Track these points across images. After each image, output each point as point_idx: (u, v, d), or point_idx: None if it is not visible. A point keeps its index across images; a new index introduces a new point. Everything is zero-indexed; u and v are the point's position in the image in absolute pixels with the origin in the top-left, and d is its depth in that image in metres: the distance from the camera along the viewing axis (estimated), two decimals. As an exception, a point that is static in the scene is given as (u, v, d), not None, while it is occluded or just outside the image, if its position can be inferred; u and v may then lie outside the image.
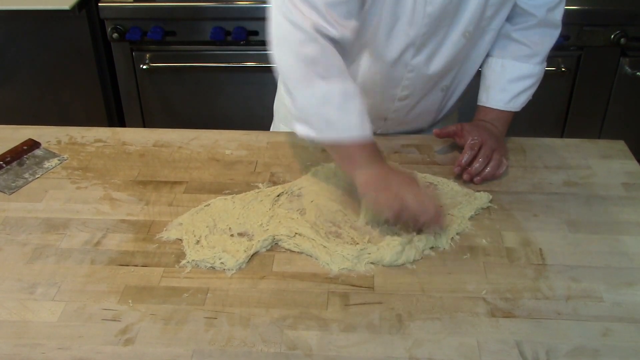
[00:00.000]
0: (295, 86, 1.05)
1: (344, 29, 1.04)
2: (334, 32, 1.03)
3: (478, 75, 1.31)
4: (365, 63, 1.21)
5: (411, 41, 1.15)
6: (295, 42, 1.02)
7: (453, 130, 1.24)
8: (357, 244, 1.01)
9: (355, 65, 1.21)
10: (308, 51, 1.02)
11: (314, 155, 1.25)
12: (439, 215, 1.01)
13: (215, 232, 1.04)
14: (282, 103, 1.43)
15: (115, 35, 2.00)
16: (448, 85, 1.28)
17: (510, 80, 1.25)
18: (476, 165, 1.17)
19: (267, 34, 1.06)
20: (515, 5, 1.20)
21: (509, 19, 1.23)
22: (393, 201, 1.00)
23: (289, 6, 1.02)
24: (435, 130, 1.25)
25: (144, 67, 2.07)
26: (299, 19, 1.02)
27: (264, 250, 1.01)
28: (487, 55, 1.27)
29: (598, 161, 1.25)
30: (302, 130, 1.06)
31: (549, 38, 1.25)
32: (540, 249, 1.02)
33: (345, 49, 1.07)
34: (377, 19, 1.12)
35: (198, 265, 0.98)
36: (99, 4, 1.97)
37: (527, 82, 1.26)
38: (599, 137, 2.09)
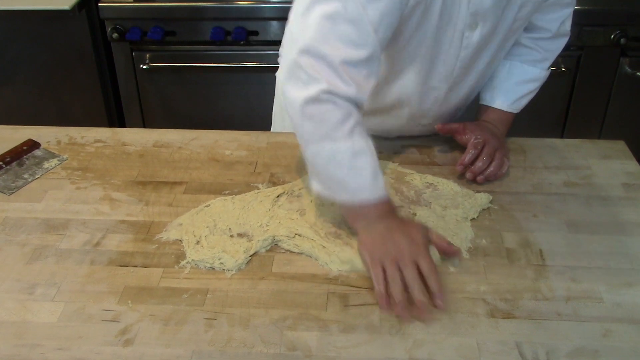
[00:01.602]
0: (304, 145, 1.00)
1: (360, 88, 0.99)
2: (350, 91, 0.97)
3: None
4: (395, 96, 1.20)
5: (443, 80, 1.16)
6: (305, 102, 0.96)
7: (455, 127, 1.24)
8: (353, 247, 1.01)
9: (387, 96, 1.20)
10: (317, 111, 0.97)
11: (313, 155, 1.25)
12: (425, 305, 0.90)
13: (215, 233, 1.04)
14: (280, 108, 1.43)
15: (115, 35, 2.00)
16: (464, 108, 1.31)
17: (517, 82, 1.25)
18: (479, 164, 1.17)
19: (280, 77, 1.01)
20: (529, 21, 1.20)
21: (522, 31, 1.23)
22: (388, 273, 0.92)
23: (300, 64, 0.96)
24: (437, 125, 1.25)
25: (144, 67, 2.06)
26: (312, 77, 0.96)
27: (263, 250, 1.01)
28: None
29: (598, 161, 1.25)
30: (316, 187, 1.02)
31: (558, 45, 1.26)
32: (540, 250, 1.02)
33: (363, 104, 1.02)
34: (416, 54, 1.10)
35: (198, 266, 0.98)
36: (99, 4, 1.96)
37: (532, 86, 1.26)
38: (599, 137, 2.09)
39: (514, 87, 1.25)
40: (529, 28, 1.22)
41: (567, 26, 1.23)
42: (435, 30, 1.06)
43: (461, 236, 1.03)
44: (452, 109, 1.27)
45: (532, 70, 1.25)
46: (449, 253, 0.98)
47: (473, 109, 1.32)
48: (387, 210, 1.00)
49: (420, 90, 1.18)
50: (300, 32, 0.98)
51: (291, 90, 0.98)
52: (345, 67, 0.96)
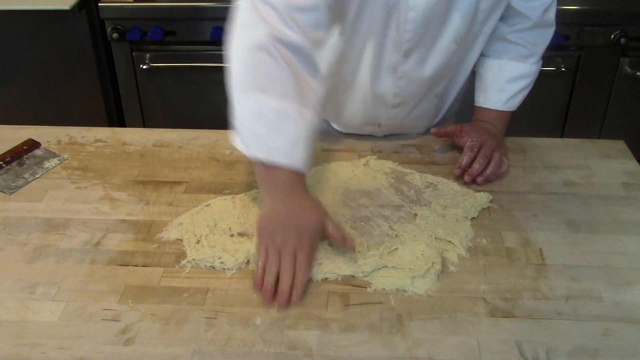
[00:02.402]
0: (235, 93, 0.98)
1: (306, 37, 0.98)
2: (294, 38, 0.97)
3: (473, 76, 1.31)
4: (352, 69, 1.20)
5: (397, 47, 1.14)
6: (244, 46, 0.96)
7: (452, 130, 1.24)
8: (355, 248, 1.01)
9: (345, 70, 1.21)
10: (254, 58, 0.96)
11: (314, 155, 1.25)
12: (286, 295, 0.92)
13: (215, 232, 1.04)
14: None
15: (115, 35, 2.00)
16: (442, 91, 1.28)
17: (508, 80, 1.25)
18: (476, 166, 1.17)
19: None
20: (509, 7, 1.20)
21: (504, 20, 1.22)
22: (268, 260, 0.94)
23: (248, 6, 0.98)
24: (433, 129, 1.25)
25: (144, 67, 2.07)
26: (255, 21, 0.96)
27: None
28: (483, 56, 1.27)
29: (598, 161, 1.25)
30: (236, 142, 1.00)
31: (544, 37, 1.25)
32: (540, 249, 1.02)
33: (311, 60, 1.00)
34: (366, 22, 1.11)
35: (198, 265, 0.98)
36: (99, 4, 1.96)
37: (524, 82, 1.26)
38: (599, 137, 2.09)
39: (506, 85, 1.25)
40: (510, 17, 1.22)
41: (551, 15, 1.22)
42: None
43: (461, 235, 1.03)
44: (424, 89, 1.24)
45: (522, 66, 1.25)
46: (341, 245, 0.96)
47: (469, 114, 1.32)
48: (296, 184, 0.98)
49: (376, 62, 1.17)
50: None
51: (235, 36, 0.98)
52: (290, 12, 0.97)
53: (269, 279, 0.92)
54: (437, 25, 1.12)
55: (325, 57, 1.19)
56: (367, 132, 1.31)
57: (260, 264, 0.94)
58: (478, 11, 1.14)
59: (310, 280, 0.95)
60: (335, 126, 1.36)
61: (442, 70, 1.21)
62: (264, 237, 0.96)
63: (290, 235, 0.95)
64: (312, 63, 1.01)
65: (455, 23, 1.13)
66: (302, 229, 0.95)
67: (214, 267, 0.97)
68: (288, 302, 0.91)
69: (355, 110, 1.27)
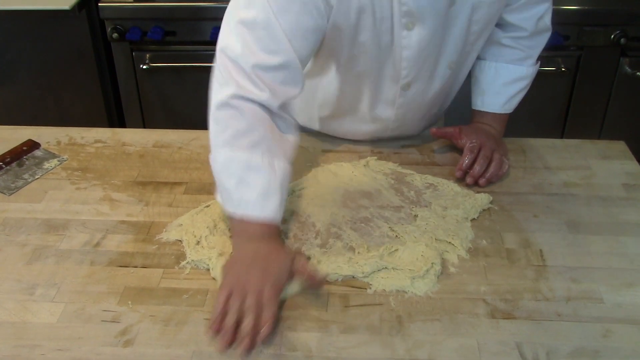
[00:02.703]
0: (211, 148, 1.02)
1: (275, 94, 1.01)
2: (261, 96, 1.00)
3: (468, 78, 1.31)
4: (352, 101, 1.21)
5: (394, 82, 1.15)
6: (215, 103, 1.01)
7: (450, 132, 1.24)
8: (355, 249, 1.01)
9: (345, 102, 1.22)
10: (222, 115, 1.00)
11: (314, 156, 1.25)
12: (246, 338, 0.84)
13: (215, 233, 1.04)
14: None
15: (115, 35, 2.00)
16: (437, 111, 1.30)
17: (505, 83, 1.25)
18: (477, 167, 1.16)
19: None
20: (502, 20, 1.20)
21: (500, 26, 1.22)
22: (230, 302, 0.87)
23: (218, 62, 1.01)
24: (432, 129, 1.25)
25: (144, 67, 2.06)
26: (225, 79, 1.01)
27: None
28: (479, 59, 1.27)
29: (598, 161, 1.25)
30: (216, 196, 1.02)
31: (540, 41, 1.25)
32: (541, 250, 1.02)
33: (280, 114, 1.04)
34: (360, 63, 1.12)
35: (198, 267, 0.98)
36: (99, 4, 1.96)
37: (521, 84, 1.26)
38: (599, 137, 2.09)
39: (503, 88, 1.25)
40: (505, 26, 1.22)
41: (547, 21, 1.22)
42: (373, 37, 1.07)
43: (461, 236, 1.03)
44: (422, 113, 1.26)
45: (518, 69, 1.25)
46: (313, 283, 0.92)
47: (458, 112, 1.32)
48: (267, 234, 0.97)
49: (374, 96, 1.19)
50: (221, 34, 1.02)
51: (211, 93, 1.03)
52: (258, 72, 0.99)
53: (230, 320, 0.85)
54: (433, 57, 1.13)
55: (324, 89, 1.22)
56: (360, 139, 1.32)
57: (220, 305, 0.86)
58: (469, 34, 1.14)
59: (278, 320, 0.88)
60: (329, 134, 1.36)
61: (439, 95, 1.23)
62: (228, 279, 0.91)
63: (254, 277, 0.90)
64: (281, 117, 1.04)
65: (449, 51, 1.14)
66: (268, 267, 0.92)
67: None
68: (251, 346, 0.83)
69: (354, 129, 1.28)
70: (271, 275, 0.91)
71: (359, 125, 1.27)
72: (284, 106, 1.05)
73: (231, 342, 0.84)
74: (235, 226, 0.99)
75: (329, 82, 1.20)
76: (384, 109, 1.21)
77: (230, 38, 1.00)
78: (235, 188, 0.97)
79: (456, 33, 1.11)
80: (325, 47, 1.10)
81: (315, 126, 1.31)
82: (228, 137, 0.99)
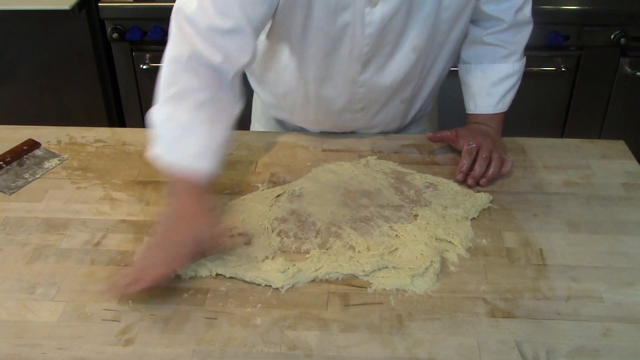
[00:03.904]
0: (154, 101, 1.02)
1: (229, 59, 1.03)
2: (215, 59, 1.01)
3: (451, 78, 1.31)
4: (312, 84, 1.21)
5: (354, 60, 1.15)
6: (168, 58, 1.02)
7: (447, 136, 1.24)
8: (355, 248, 1.01)
9: (304, 85, 1.22)
10: (174, 71, 1.01)
11: (314, 155, 1.25)
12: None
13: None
14: (258, 111, 1.46)
15: (115, 35, 2.00)
16: (408, 97, 1.27)
17: (493, 83, 1.25)
18: (477, 168, 1.16)
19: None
20: (480, 12, 1.19)
21: (477, 23, 1.23)
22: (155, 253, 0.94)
23: (174, 22, 1.03)
24: (428, 134, 1.25)
25: (144, 67, 2.06)
26: (179, 36, 1.02)
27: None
28: (464, 64, 1.28)
29: (598, 161, 1.25)
30: (150, 151, 1.01)
31: (522, 35, 1.24)
32: (541, 249, 1.02)
33: (230, 81, 1.05)
34: (315, 41, 1.12)
35: (197, 274, 0.97)
36: (99, 4, 1.96)
37: (510, 82, 1.26)
38: (599, 137, 2.09)
39: (493, 88, 1.25)
40: (483, 21, 1.22)
41: (527, 13, 1.22)
42: (329, 13, 1.07)
43: (461, 236, 1.03)
44: (386, 95, 1.24)
45: (504, 67, 1.25)
46: (243, 239, 1.00)
47: (449, 108, 1.31)
48: (194, 188, 0.98)
49: (333, 75, 1.18)
50: None
51: (166, 48, 1.03)
52: (212, 34, 1.01)
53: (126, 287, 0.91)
54: (395, 36, 1.13)
55: (280, 76, 1.24)
56: (338, 131, 1.33)
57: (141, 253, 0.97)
58: (439, 22, 1.13)
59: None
60: (309, 129, 1.36)
61: (404, 78, 1.21)
62: (148, 250, 0.96)
63: (164, 252, 0.93)
64: (230, 84, 1.06)
65: (413, 33, 1.13)
66: (180, 242, 0.93)
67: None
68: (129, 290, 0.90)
69: (321, 117, 1.29)
70: (180, 251, 0.93)
71: (323, 114, 1.27)
72: (236, 76, 1.06)
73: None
74: (169, 180, 1.00)
75: (284, 67, 1.21)
76: (345, 89, 1.21)
77: None
78: (175, 140, 0.99)
79: (423, 16, 1.11)
80: (277, 24, 1.11)
81: (302, 122, 1.33)
82: (177, 93, 1.00)
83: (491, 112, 1.26)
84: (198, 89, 1.01)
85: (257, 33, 1.07)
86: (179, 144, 0.99)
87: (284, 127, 1.40)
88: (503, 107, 1.27)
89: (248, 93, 1.45)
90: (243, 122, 1.90)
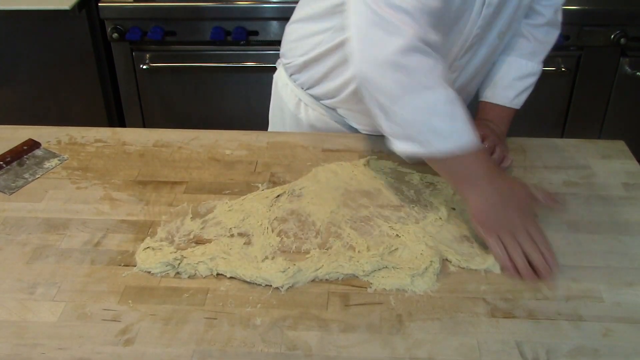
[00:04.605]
0: (395, 100, 0.97)
1: (439, 38, 1.00)
2: (435, 38, 0.98)
3: None
4: None
5: (464, 42, 1.15)
6: (394, 54, 0.95)
7: None
8: (355, 248, 1.01)
9: None
10: (410, 61, 0.95)
11: (314, 155, 1.25)
12: (548, 267, 0.96)
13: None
14: (279, 110, 1.42)
15: (115, 35, 2.00)
16: (473, 87, 1.30)
17: (516, 77, 1.26)
18: None
19: (348, 51, 1.00)
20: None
21: None
22: (508, 248, 0.97)
23: (382, 17, 0.96)
24: None
25: (144, 67, 2.07)
26: (397, 28, 0.95)
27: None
28: None
29: (598, 161, 1.25)
30: (404, 147, 0.99)
31: (552, 37, 1.27)
32: (541, 249, 1.02)
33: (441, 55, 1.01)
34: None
35: (197, 273, 0.97)
36: (99, 4, 1.97)
37: (530, 81, 1.27)
38: (599, 137, 2.09)
39: (514, 82, 1.26)
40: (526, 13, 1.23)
41: (559, 17, 1.25)
42: None
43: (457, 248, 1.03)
44: (467, 82, 1.26)
45: (529, 64, 1.26)
46: (554, 206, 1.04)
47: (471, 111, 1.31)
48: (491, 167, 1.01)
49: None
50: None
51: (369, 47, 0.97)
52: (425, 17, 0.97)
53: (522, 261, 0.95)
54: (499, 19, 1.15)
55: None
56: None
57: (501, 251, 0.96)
58: (522, 7, 1.15)
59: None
60: (362, 129, 1.34)
61: (481, 67, 1.23)
62: (490, 228, 0.98)
63: (516, 218, 0.98)
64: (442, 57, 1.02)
65: (503, 18, 1.15)
66: (523, 208, 0.99)
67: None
68: (550, 275, 0.94)
69: None
70: (529, 215, 1.00)
71: None
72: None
73: (534, 275, 0.95)
74: (450, 169, 1.02)
75: None
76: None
77: None
78: (447, 125, 0.97)
79: (514, 2, 1.13)
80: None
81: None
82: (422, 78, 0.96)
83: (507, 105, 1.27)
84: (435, 66, 0.97)
85: None
86: (452, 129, 0.96)
87: (326, 128, 1.36)
88: (518, 103, 1.27)
89: (268, 93, 1.45)
90: (246, 122, 1.90)
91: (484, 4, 1.09)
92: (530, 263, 0.96)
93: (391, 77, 0.96)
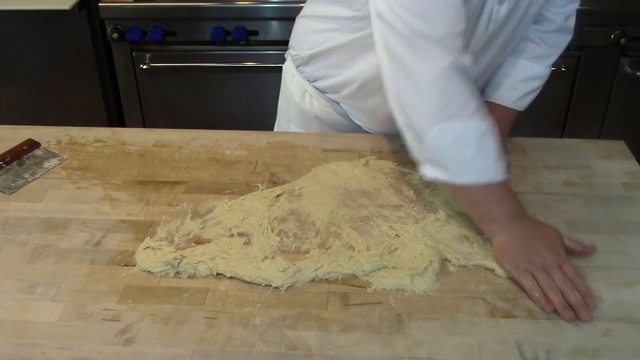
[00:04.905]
0: (425, 126, 0.97)
1: (469, 59, 1.00)
2: (467, 60, 0.98)
3: None
4: None
5: (472, 49, 1.14)
6: (428, 80, 0.96)
7: None
8: (355, 248, 1.01)
9: None
10: (449, 87, 0.96)
11: (314, 155, 1.25)
12: (586, 306, 0.90)
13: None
14: (288, 101, 1.41)
15: (115, 35, 2.00)
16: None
17: (522, 79, 1.26)
18: None
19: (384, 77, 1.00)
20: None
21: None
22: (543, 285, 0.93)
23: (416, 45, 0.96)
24: None
25: (144, 67, 2.07)
26: (434, 55, 0.96)
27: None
28: None
29: (598, 161, 1.25)
30: (431, 172, 1.00)
31: (562, 42, 1.27)
32: (540, 249, 1.02)
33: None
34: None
35: (196, 273, 0.97)
36: (99, 4, 1.97)
37: (536, 84, 1.27)
38: (599, 137, 2.09)
39: (520, 84, 1.26)
40: (536, 18, 1.23)
41: (572, 22, 1.24)
42: (474, 8, 1.06)
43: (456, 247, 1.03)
44: None
45: (537, 67, 1.26)
46: (585, 254, 0.99)
47: None
48: (516, 207, 1.00)
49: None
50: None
51: (416, 64, 0.97)
52: (456, 40, 0.97)
53: (559, 299, 0.91)
54: (504, 31, 1.14)
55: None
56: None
57: (535, 288, 0.92)
58: (527, 15, 1.15)
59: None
60: (371, 129, 1.35)
61: (482, 74, 1.23)
62: (520, 265, 0.95)
63: (547, 254, 0.95)
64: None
65: (508, 29, 1.14)
66: (552, 245, 0.96)
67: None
68: (589, 315, 0.89)
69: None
70: (560, 251, 0.96)
71: None
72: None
73: (573, 314, 0.89)
74: (474, 203, 1.01)
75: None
76: None
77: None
78: (475, 156, 0.96)
79: (520, 11, 1.12)
80: None
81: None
82: (456, 108, 0.96)
83: (510, 106, 1.27)
84: (472, 96, 0.97)
85: None
86: (480, 161, 0.97)
87: (332, 127, 1.37)
88: (521, 105, 1.27)
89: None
90: (246, 122, 1.90)
91: (490, 19, 1.09)
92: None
93: (423, 103, 0.97)
